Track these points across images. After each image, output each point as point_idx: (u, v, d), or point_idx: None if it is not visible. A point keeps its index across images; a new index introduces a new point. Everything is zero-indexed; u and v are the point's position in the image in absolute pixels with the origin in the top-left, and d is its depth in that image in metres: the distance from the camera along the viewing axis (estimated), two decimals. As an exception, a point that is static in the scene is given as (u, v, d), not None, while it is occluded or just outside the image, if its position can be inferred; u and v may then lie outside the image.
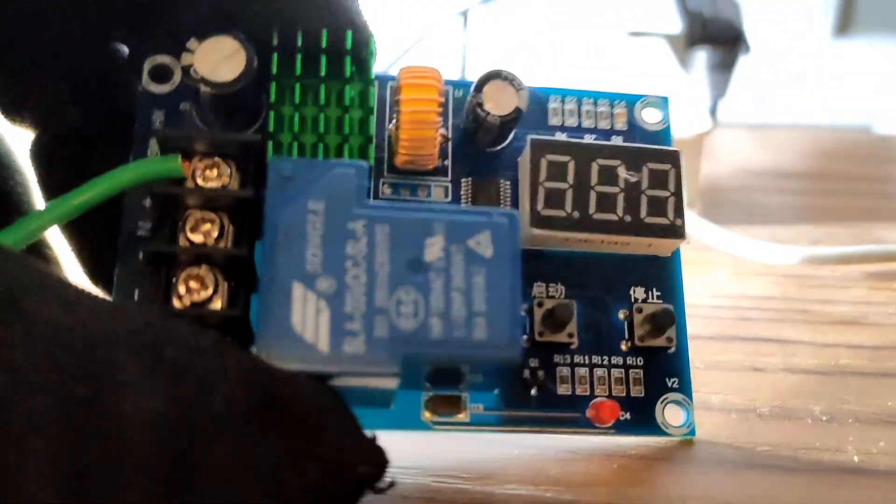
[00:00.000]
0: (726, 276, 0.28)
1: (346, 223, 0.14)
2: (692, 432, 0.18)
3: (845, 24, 0.45)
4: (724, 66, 0.40)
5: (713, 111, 0.41)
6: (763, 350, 0.24)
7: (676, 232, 0.18)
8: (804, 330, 0.25)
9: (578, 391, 0.18)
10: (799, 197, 0.34)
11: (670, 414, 0.18)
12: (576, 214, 0.18)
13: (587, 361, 0.18)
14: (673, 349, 0.19)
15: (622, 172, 0.18)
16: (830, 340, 0.24)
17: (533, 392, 0.18)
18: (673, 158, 0.19)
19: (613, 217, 0.18)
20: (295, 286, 0.14)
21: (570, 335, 0.18)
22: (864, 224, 0.31)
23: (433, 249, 0.15)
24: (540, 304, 0.18)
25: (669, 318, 0.18)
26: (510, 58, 0.39)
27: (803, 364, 0.23)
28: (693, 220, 0.28)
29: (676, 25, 0.38)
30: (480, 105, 0.17)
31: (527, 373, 0.18)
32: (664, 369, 0.19)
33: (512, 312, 0.14)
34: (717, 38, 0.39)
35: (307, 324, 0.14)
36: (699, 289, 0.27)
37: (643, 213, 0.18)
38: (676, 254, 0.20)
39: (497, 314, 0.14)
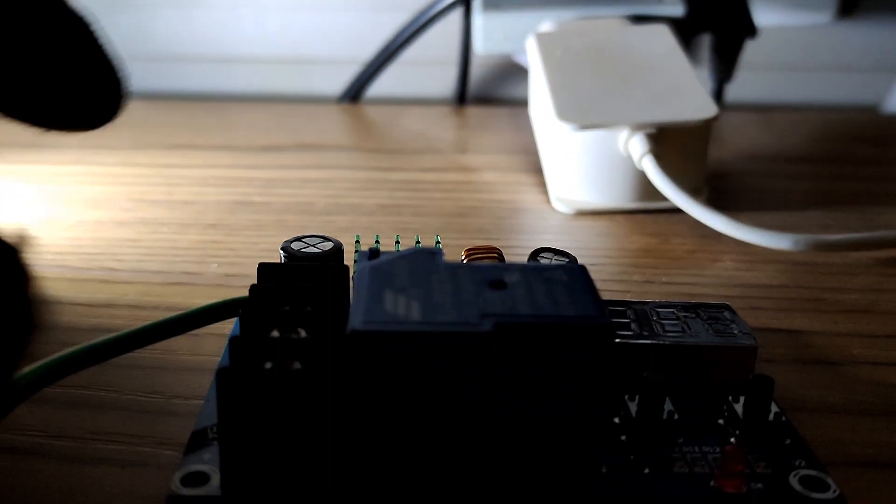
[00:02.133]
0: (735, 263, 0.27)
1: (429, 268, 0.16)
2: None
3: (852, 4, 0.45)
4: (730, 50, 0.39)
5: (719, 96, 0.41)
6: (774, 340, 0.23)
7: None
8: (815, 319, 0.24)
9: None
10: (808, 181, 0.33)
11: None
12: None
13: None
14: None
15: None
16: (842, 329, 0.24)
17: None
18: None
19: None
20: (386, 292, 0.15)
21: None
22: (874, 208, 0.31)
23: (512, 276, 0.16)
24: None
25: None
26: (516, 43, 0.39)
27: (815, 354, 0.23)
28: (700, 208, 0.28)
29: (680, 9, 0.37)
30: None
31: None
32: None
33: (597, 301, 0.15)
34: (722, 22, 0.39)
35: (399, 307, 0.15)
36: (708, 278, 0.27)
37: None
38: None
39: (582, 302, 0.15)
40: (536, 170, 0.35)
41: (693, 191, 0.31)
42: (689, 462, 0.17)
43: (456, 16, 0.43)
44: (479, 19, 0.39)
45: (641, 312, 0.20)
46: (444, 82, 0.48)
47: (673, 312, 0.20)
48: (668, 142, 0.30)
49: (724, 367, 0.19)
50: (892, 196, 0.32)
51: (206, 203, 0.33)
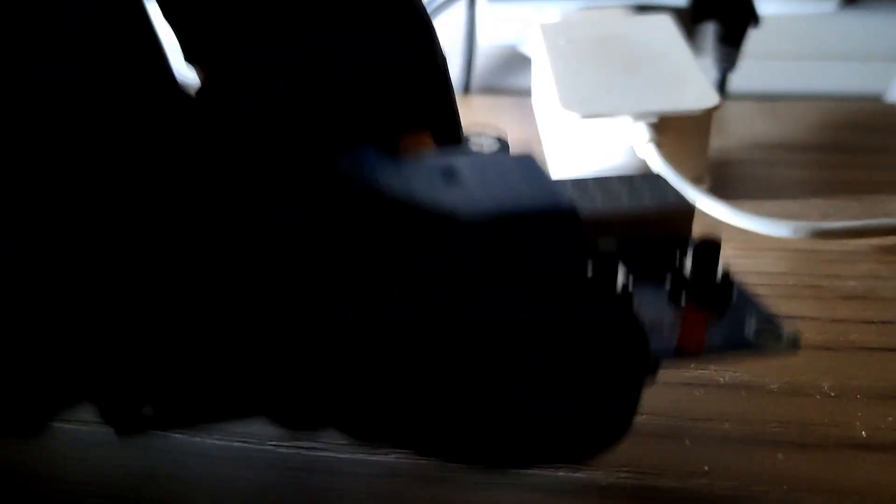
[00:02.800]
0: (735, 251, 0.28)
1: None
2: None
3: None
4: (732, 40, 0.40)
5: (722, 85, 0.41)
6: (772, 326, 0.24)
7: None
8: (814, 305, 0.25)
9: None
10: (809, 170, 0.34)
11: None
12: None
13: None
14: None
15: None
16: (840, 315, 0.24)
17: None
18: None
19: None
20: None
21: None
22: (874, 196, 0.31)
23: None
24: None
25: None
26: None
27: (812, 340, 0.23)
28: (702, 196, 0.28)
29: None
30: None
31: None
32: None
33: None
34: (725, 11, 0.39)
35: None
36: (708, 265, 0.27)
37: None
38: None
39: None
40: (540, 160, 0.35)
41: (695, 179, 0.31)
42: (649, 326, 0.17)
43: (460, 6, 0.44)
44: (483, 10, 0.39)
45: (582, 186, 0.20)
46: (449, 71, 0.48)
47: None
48: (670, 131, 0.30)
49: (666, 229, 0.19)
50: (893, 185, 0.32)
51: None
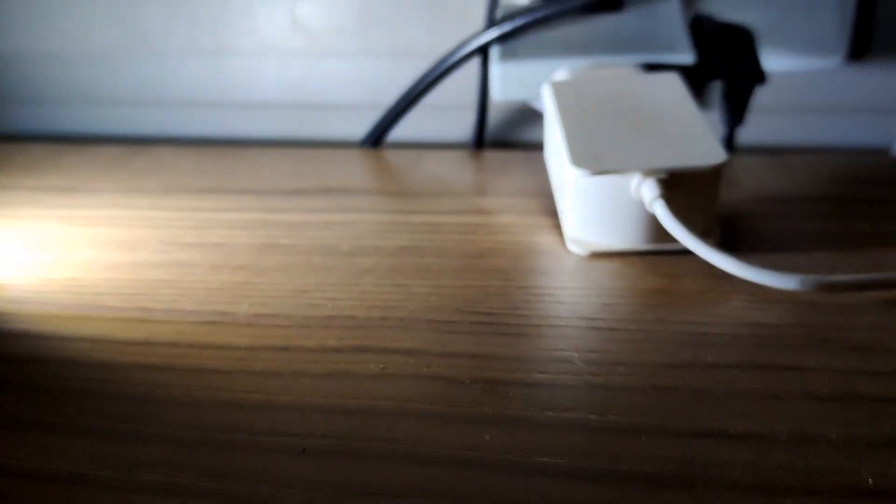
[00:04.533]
0: (744, 303, 0.29)
1: None
2: None
3: (864, 46, 0.46)
4: (740, 97, 0.41)
5: (730, 140, 0.42)
6: (780, 378, 0.24)
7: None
8: (821, 357, 0.25)
9: None
10: (816, 223, 0.34)
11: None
12: None
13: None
14: None
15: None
16: (847, 366, 0.25)
17: None
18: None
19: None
20: None
21: None
22: (880, 249, 0.32)
23: None
24: None
25: None
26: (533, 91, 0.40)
27: (820, 390, 0.24)
28: (710, 250, 0.29)
29: (690, 57, 0.39)
30: None
31: None
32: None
33: None
34: (732, 70, 0.40)
35: None
36: (718, 317, 0.28)
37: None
38: None
39: None
40: (551, 212, 0.36)
41: (704, 233, 0.32)
42: None
43: (474, 62, 0.45)
44: (495, 68, 0.41)
45: None
46: (463, 126, 0.49)
47: None
48: (679, 186, 0.31)
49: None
50: (899, 237, 0.33)
51: (236, 245, 0.34)
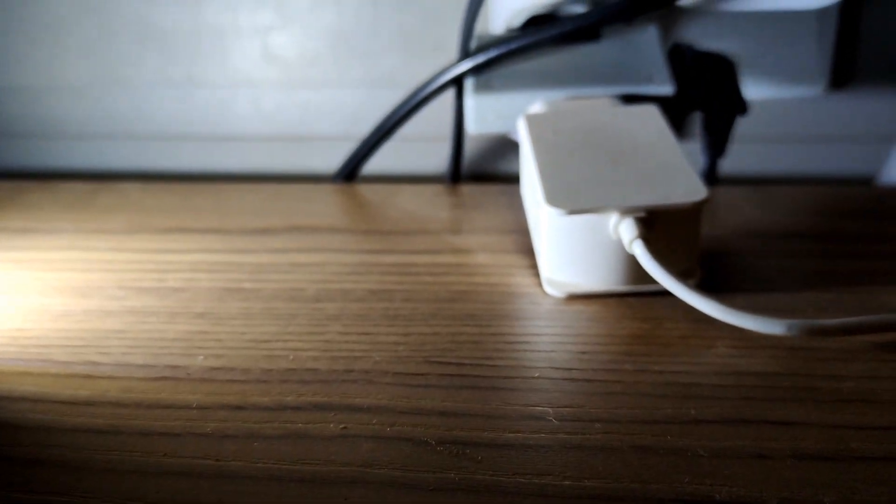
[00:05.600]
0: (728, 349, 0.27)
1: None
2: None
3: (846, 76, 0.45)
4: (721, 128, 0.39)
5: (711, 172, 0.41)
6: (768, 434, 0.23)
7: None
8: (811, 410, 0.24)
9: None
10: (801, 260, 0.33)
11: None
12: None
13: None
14: None
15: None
16: (839, 421, 0.23)
17: None
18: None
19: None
20: None
21: None
22: (869, 288, 0.31)
23: None
24: None
25: None
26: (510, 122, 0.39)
27: (811, 449, 0.22)
28: (691, 293, 0.28)
29: (669, 88, 0.37)
30: None
31: None
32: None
33: None
34: (712, 101, 0.39)
35: None
36: (701, 365, 0.26)
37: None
38: None
39: None
40: (528, 250, 0.35)
41: (685, 273, 0.31)
42: None
43: (450, 93, 0.44)
44: (470, 101, 0.39)
45: None
46: (439, 158, 0.48)
47: None
48: (659, 224, 0.29)
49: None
50: (888, 274, 0.32)
51: (197, 290, 0.32)
